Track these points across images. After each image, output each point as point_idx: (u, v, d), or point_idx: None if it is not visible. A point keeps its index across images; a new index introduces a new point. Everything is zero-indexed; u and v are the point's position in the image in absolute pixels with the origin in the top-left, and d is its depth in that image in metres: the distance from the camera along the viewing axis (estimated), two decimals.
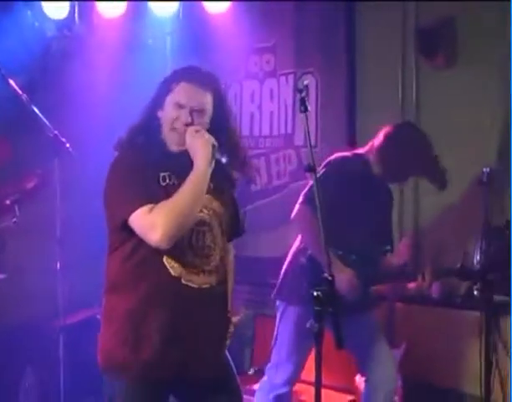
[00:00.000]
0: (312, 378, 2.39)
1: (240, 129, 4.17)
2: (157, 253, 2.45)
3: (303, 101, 2.45)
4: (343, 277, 3.23)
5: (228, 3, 4.85)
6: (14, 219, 3.86)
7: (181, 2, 5.01)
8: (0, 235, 4.03)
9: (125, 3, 4.94)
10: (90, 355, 2.63)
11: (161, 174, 2.50)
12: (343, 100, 4.71)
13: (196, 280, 2.51)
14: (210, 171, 2.47)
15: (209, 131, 2.53)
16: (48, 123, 3.61)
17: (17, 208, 3.87)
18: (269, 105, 5.11)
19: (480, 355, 3.11)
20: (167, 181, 2.50)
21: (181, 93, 2.52)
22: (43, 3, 4.77)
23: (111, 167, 2.53)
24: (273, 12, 4.98)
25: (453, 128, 4.20)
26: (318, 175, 2.57)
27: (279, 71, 5.05)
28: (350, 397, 4.28)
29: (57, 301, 3.74)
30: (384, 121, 3.60)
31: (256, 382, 3.79)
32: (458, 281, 4.00)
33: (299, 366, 3.56)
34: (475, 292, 3.43)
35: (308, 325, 2.32)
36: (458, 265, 3.30)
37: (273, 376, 3.59)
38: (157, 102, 2.56)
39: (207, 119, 2.55)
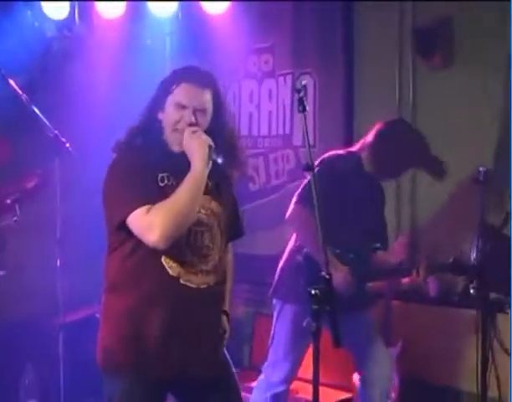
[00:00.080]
0: (309, 376, 2.39)
1: (239, 129, 4.17)
2: (156, 253, 2.45)
3: (301, 101, 2.44)
4: (339, 275, 3.23)
5: (227, 4, 4.86)
6: (15, 218, 3.87)
7: (180, 3, 5.03)
8: (1, 234, 4.05)
9: (124, 4, 4.96)
10: (90, 353, 2.63)
11: (160, 175, 2.50)
12: (341, 100, 4.72)
13: (194, 280, 2.51)
14: (207, 171, 2.48)
15: (208, 130, 2.53)
16: (48, 123, 3.61)
17: (17, 208, 3.88)
18: (268, 105, 5.11)
19: (477, 353, 3.13)
20: (166, 181, 2.50)
21: (182, 94, 2.52)
22: (43, 3, 4.77)
23: (109, 168, 2.54)
24: (272, 13, 4.99)
25: (449, 128, 4.21)
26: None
27: (277, 71, 5.06)
28: (348, 395, 4.31)
29: (57, 299, 3.75)
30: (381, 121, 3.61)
31: (254, 379, 3.80)
32: (454, 279, 4.01)
33: (296, 364, 3.57)
34: (471, 291, 3.45)
35: (304, 324, 2.31)
36: (451, 260, 3.32)
37: (270, 374, 3.59)
38: (157, 104, 2.55)
39: (208, 118, 2.56)
